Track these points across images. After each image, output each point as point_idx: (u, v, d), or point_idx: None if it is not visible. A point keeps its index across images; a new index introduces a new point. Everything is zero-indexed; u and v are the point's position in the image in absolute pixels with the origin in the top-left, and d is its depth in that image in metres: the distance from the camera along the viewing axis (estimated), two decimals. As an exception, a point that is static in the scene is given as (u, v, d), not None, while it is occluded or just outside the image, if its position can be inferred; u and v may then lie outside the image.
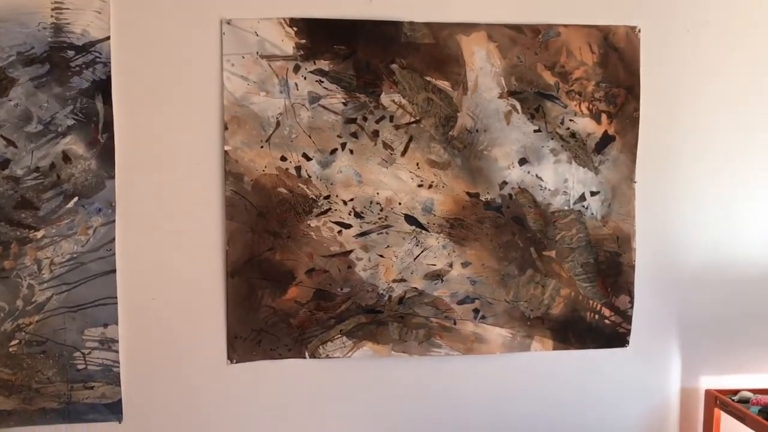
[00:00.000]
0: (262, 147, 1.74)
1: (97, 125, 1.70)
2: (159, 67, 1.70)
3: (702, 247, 1.90)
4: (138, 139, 1.72)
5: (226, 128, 1.72)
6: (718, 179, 1.89)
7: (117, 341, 1.75)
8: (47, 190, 1.70)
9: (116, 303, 1.74)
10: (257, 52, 1.72)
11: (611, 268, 1.87)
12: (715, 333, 1.93)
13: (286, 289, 1.78)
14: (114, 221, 1.73)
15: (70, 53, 1.68)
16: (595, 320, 1.88)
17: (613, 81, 1.82)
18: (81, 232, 1.72)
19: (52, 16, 1.66)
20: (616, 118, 1.83)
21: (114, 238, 1.73)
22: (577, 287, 1.87)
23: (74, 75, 1.69)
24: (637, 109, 1.83)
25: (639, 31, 1.82)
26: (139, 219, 1.73)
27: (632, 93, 1.83)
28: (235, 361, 1.78)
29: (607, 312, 1.88)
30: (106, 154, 1.71)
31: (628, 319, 1.89)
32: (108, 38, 1.69)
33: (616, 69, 1.82)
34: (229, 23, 1.70)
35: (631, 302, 1.88)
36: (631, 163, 1.85)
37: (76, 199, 1.71)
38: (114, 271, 1.74)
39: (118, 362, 1.76)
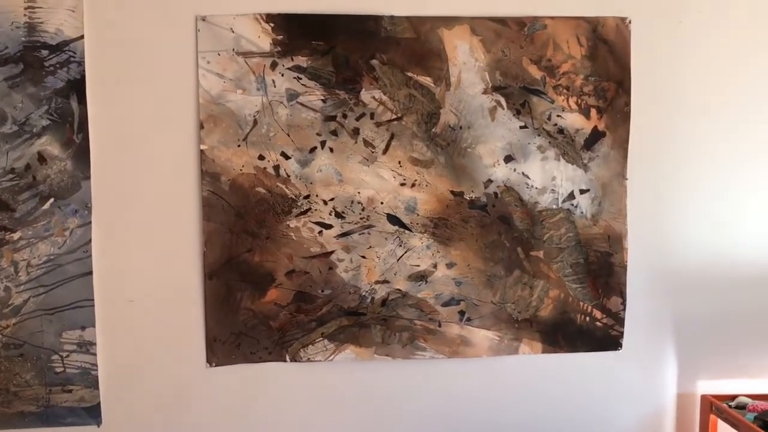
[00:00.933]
0: (239, 146, 1.71)
1: (72, 125, 1.69)
2: (133, 65, 1.68)
3: (697, 247, 1.84)
4: (113, 139, 1.70)
5: (201, 127, 1.69)
6: (713, 175, 1.82)
7: (95, 344, 1.74)
8: (23, 191, 1.69)
9: (93, 305, 1.73)
10: (233, 49, 1.69)
11: (602, 268, 1.82)
12: (713, 335, 1.86)
13: (265, 291, 1.76)
14: (90, 222, 1.71)
15: (44, 52, 1.66)
16: (586, 323, 1.83)
17: (602, 74, 1.77)
18: (57, 233, 1.70)
19: (25, 15, 1.65)
20: (606, 113, 1.78)
21: (90, 240, 1.71)
22: (567, 288, 1.82)
23: (48, 75, 1.67)
24: (628, 104, 1.78)
25: (629, 22, 1.76)
26: (115, 220, 1.71)
27: (623, 87, 1.77)
28: (214, 364, 1.76)
29: (598, 314, 1.83)
30: (81, 155, 1.69)
31: (621, 321, 1.83)
32: (82, 37, 1.67)
33: (605, 62, 1.76)
34: (204, 20, 1.68)
35: (624, 304, 1.83)
36: (622, 159, 1.79)
37: (52, 200, 1.70)
38: (91, 273, 1.72)
39: (97, 365, 1.74)
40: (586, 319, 1.83)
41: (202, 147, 1.70)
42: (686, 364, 1.87)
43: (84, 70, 1.67)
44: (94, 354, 1.74)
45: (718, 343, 1.87)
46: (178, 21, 1.68)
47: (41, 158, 1.68)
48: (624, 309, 1.83)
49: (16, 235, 1.69)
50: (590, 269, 1.81)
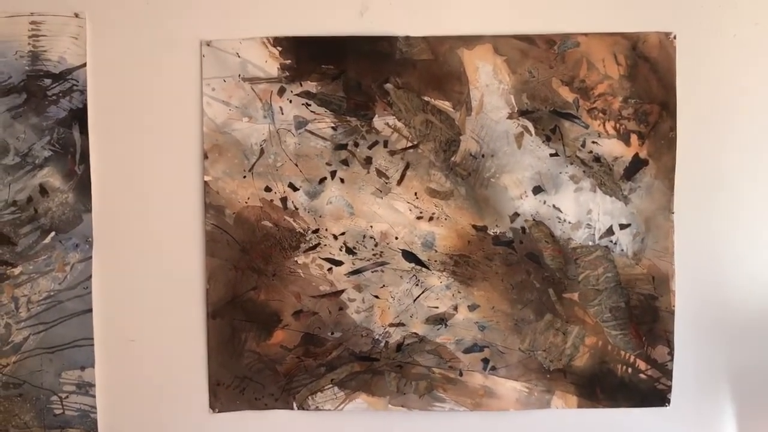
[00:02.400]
0: (244, 177, 1.62)
1: (74, 156, 1.64)
2: (136, 93, 1.63)
3: (757, 289, 1.63)
4: (115, 171, 1.64)
5: (206, 157, 1.62)
6: (774, 208, 1.62)
7: (94, 385, 1.67)
8: (24, 224, 1.65)
9: (93, 345, 1.66)
10: (239, 75, 1.61)
11: (646, 313, 1.63)
12: (777, 392, 1.64)
13: (271, 332, 1.65)
14: (91, 257, 1.65)
15: (47, 81, 1.63)
16: (628, 374, 1.64)
17: (644, 96, 1.60)
18: (58, 268, 1.65)
19: (29, 43, 1.62)
20: (648, 139, 1.60)
21: (90, 276, 1.65)
22: (606, 335, 1.64)
23: (51, 104, 1.63)
24: (673, 128, 1.60)
25: (674, 37, 1.59)
26: (117, 255, 1.65)
27: (667, 109, 1.60)
28: (217, 410, 1.66)
29: (642, 365, 1.64)
30: (83, 187, 1.64)
31: (668, 373, 1.63)
32: (84, 65, 1.63)
33: (647, 82, 1.60)
34: (209, 45, 1.61)
35: (671, 354, 1.63)
36: (667, 190, 1.61)
37: (53, 234, 1.65)
38: (90, 310, 1.66)
39: (95, 408, 1.67)
40: (628, 371, 1.64)
41: (206, 178, 1.62)
42: (745, 424, 1.65)
43: (86, 99, 1.63)
44: (93, 396, 1.67)
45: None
46: (182, 47, 1.62)
47: (43, 190, 1.64)
48: (671, 360, 1.63)
49: (17, 270, 1.65)
50: (632, 314, 1.63)
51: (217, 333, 1.65)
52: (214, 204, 1.63)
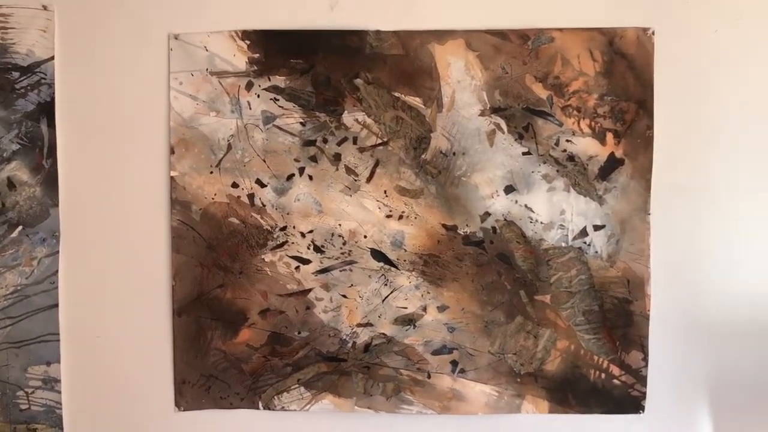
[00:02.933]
0: (211, 172, 1.60)
1: (41, 150, 1.63)
2: (104, 87, 1.62)
3: (736, 293, 1.58)
4: (82, 165, 1.63)
5: (172, 152, 1.60)
6: (753, 211, 1.56)
7: (59, 381, 1.66)
8: (-8, 218, 1.64)
9: (59, 340, 1.66)
10: (207, 69, 1.59)
11: (620, 317, 1.59)
12: (754, 398, 1.59)
13: (237, 330, 1.63)
14: (58, 252, 1.64)
15: (15, 74, 1.62)
16: (602, 380, 1.60)
17: (620, 93, 1.56)
18: (25, 263, 1.65)
19: (-3, 36, 1.61)
20: (624, 138, 1.56)
21: (57, 271, 1.64)
22: (578, 339, 1.60)
23: (19, 97, 1.63)
24: (650, 127, 1.56)
25: (653, 33, 1.55)
26: (83, 250, 1.64)
27: (644, 108, 1.55)
28: (182, 408, 1.65)
29: (615, 370, 1.60)
30: (50, 181, 1.64)
31: (642, 379, 1.59)
32: (53, 58, 1.62)
33: (624, 79, 1.56)
34: (177, 38, 1.59)
35: (646, 359, 1.59)
36: (643, 191, 1.56)
37: (20, 228, 1.64)
38: (57, 305, 1.65)
39: (61, 404, 1.67)
40: (601, 376, 1.60)
41: (173, 173, 1.60)
42: (722, 431, 1.61)
43: (54, 93, 1.62)
44: (59, 392, 1.67)
45: (759, 406, 1.59)
46: (150, 40, 1.60)
47: (10, 184, 1.63)
48: (646, 365, 1.59)
49: (-16, 264, 1.65)
50: (606, 318, 1.59)
51: (182, 331, 1.64)
52: (180, 200, 1.61)
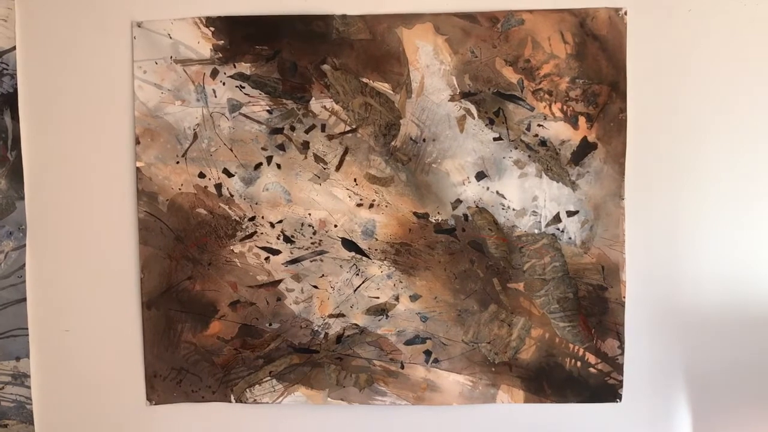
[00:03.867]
0: (178, 162, 1.59)
1: (5, 142, 1.62)
2: (67, 77, 1.60)
3: (712, 279, 1.56)
4: (47, 157, 1.62)
5: (138, 142, 1.58)
6: (730, 195, 1.55)
7: (29, 376, 1.66)
8: (-43, 212, 1.63)
9: (27, 335, 1.65)
10: (171, 57, 1.58)
11: (595, 304, 1.57)
12: (730, 386, 1.58)
13: (207, 323, 1.62)
14: (24, 245, 1.63)
15: (-23, 65, 1.60)
16: (577, 368, 1.59)
17: (592, 76, 1.54)
18: (-8, 257, 1.64)
19: (-42, 26, 1.60)
20: (597, 122, 1.54)
21: (24, 264, 1.63)
22: (553, 327, 1.59)
23: (-19, 88, 1.61)
24: (623, 110, 1.54)
25: (625, 13, 1.52)
26: (50, 243, 1.63)
27: (617, 90, 1.53)
28: (154, 402, 1.64)
29: (591, 358, 1.59)
30: (15, 173, 1.62)
31: (619, 368, 1.58)
32: (14, 48, 1.60)
33: (596, 61, 1.53)
34: (140, 26, 1.57)
35: (621, 347, 1.57)
36: (617, 175, 1.55)
37: (-14, 221, 1.63)
38: (25, 299, 1.64)
39: (31, 399, 1.66)
40: (577, 364, 1.59)
41: (138, 164, 1.59)
42: (699, 419, 1.59)
43: (17, 83, 1.61)
44: (29, 387, 1.66)
45: (736, 394, 1.58)
46: (113, 28, 1.59)
47: (-25, 177, 1.62)
48: (622, 353, 1.58)
49: (-49, 259, 1.64)
50: (581, 305, 1.58)
51: (152, 324, 1.63)
52: (146, 191, 1.60)
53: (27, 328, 1.65)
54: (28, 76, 1.60)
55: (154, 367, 1.64)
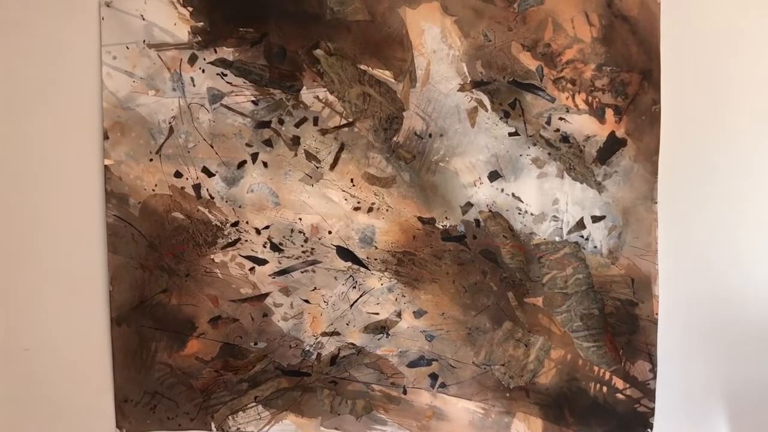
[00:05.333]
0: (151, 160, 1.43)
1: (-42, 136, 1.46)
2: (27, 63, 1.45)
3: (756, 294, 1.42)
4: (9, 154, 1.46)
5: (106, 137, 1.43)
6: (777, 198, 1.40)
7: (-15, 401, 1.50)
8: None
9: (-17, 354, 1.50)
10: (144, 41, 1.42)
11: (624, 322, 1.42)
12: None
13: (185, 341, 1.47)
14: (-20, 254, 1.48)
15: (-75, 49, 1.45)
16: (603, 394, 1.44)
17: (621, 63, 1.39)
18: (-58, 266, 1.48)
19: None
20: (627, 115, 1.39)
21: (-20, 275, 1.48)
22: (576, 348, 1.43)
23: (-70, 76, 1.45)
24: (656, 102, 1.38)
25: (659, -9, 1.37)
26: (8, 251, 1.47)
27: (649, 79, 1.38)
28: (125, 430, 1.49)
29: (619, 383, 1.43)
30: (-30, 172, 1.47)
31: (650, 393, 1.43)
32: (-32, 30, 1.45)
33: (625, 46, 1.38)
34: (108, 5, 1.42)
35: (654, 370, 1.42)
36: (650, 176, 1.40)
37: (-65, 226, 1.47)
38: (-21, 314, 1.49)
39: (-12, 427, 1.51)
40: (602, 390, 1.44)
41: (107, 162, 1.43)
42: (743, 455, 1.44)
43: (-30, 70, 1.45)
44: (-14, 413, 1.51)
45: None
46: (79, 8, 1.43)
47: None
48: (654, 378, 1.42)
49: None
50: (608, 323, 1.43)
51: (122, 342, 1.47)
52: (116, 192, 1.44)
53: (-18, 347, 1.50)
54: (-16, 63, 1.45)
55: (124, 391, 1.48)
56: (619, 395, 1.44)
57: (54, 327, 1.49)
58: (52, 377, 1.50)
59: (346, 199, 1.43)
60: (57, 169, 1.46)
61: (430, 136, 1.41)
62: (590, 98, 1.39)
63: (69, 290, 1.48)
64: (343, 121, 1.42)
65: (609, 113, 1.40)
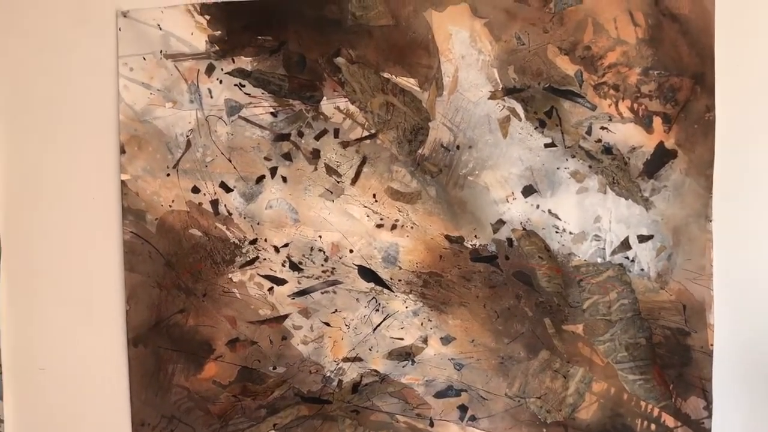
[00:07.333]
0: (168, 175, 1.42)
1: (-22, 151, 1.48)
2: (46, 76, 1.46)
3: (829, 326, 1.28)
4: (22, 168, 1.48)
5: (123, 151, 1.42)
6: None
7: (2, 421, 1.52)
8: (-74, 231, 1.50)
9: (0, 372, 1.51)
10: (161, 51, 1.41)
11: (674, 353, 1.32)
12: None
13: (202, 364, 1.44)
14: (-2, 270, 1.50)
15: (-53, 64, 1.48)
16: (651, 432, 1.33)
17: (670, 66, 1.29)
18: (-37, 283, 1.50)
19: (-73, 20, 1.47)
20: (676, 123, 1.29)
21: (-3, 292, 1.50)
22: (620, 381, 1.34)
23: (-48, 90, 1.48)
24: (710, 109, 1.28)
25: (713, -13, 1.27)
26: (27, 268, 1.50)
27: (702, 84, 1.28)
28: (141, 455, 1.47)
29: (669, 421, 1.33)
30: (-11, 188, 1.49)
31: (705, 433, 1.32)
32: (-12, 43, 1.47)
33: (675, 48, 1.29)
34: (126, 15, 1.42)
35: (709, 408, 1.31)
36: (703, 191, 1.29)
37: (-43, 242, 1.50)
38: (-3, 332, 1.50)
39: (6, 447, 1.52)
40: (650, 427, 1.33)
41: (123, 177, 1.43)
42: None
43: (-10, 84, 1.47)
44: (3, 433, 1.52)
45: None
46: (96, 19, 1.43)
47: (-55, 191, 1.49)
48: (709, 416, 1.31)
49: None
50: (656, 354, 1.32)
51: (139, 363, 1.46)
52: (132, 208, 1.43)
53: (0, 366, 1.51)
54: (3, 75, 1.47)
55: (141, 415, 1.47)
56: (670, 434, 1.33)
57: (71, 346, 1.49)
58: (69, 398, 1.51)
59: (368, 216, 1.38)
60: (75, 185, 1.46)
61: (458, 147, 1.35)
62: (636, 105, 1.30)
63: (86, 309, 1.48)
64: (365, 133, 1.37)
65: (657, 122, 1.30)
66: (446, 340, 1.38)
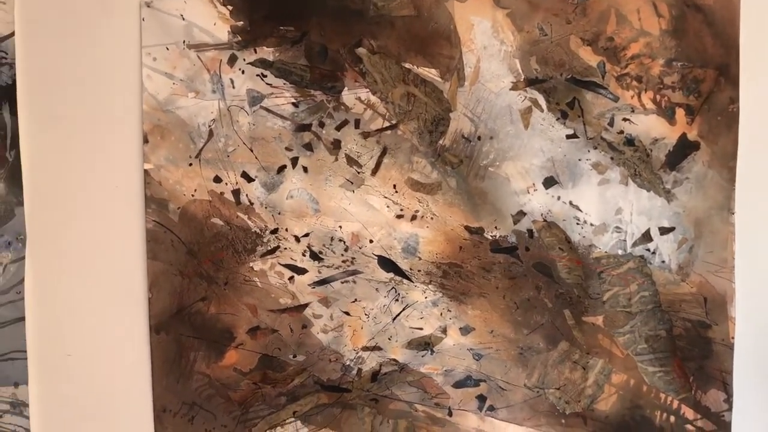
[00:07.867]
0: (191, 164, 1.44)
1: (4, 140, 1.51)
2: (70, 66, 1.48)
3: None
4: (48, 157, 1.50)
5: (146, 141, 1.45)
6: None
7: (27, 405, 1.55)
8: (-47, 218, 1.54)
9: (26, 358, 1.54)
10: (184, 41, 1.43)
11: (695, 345, 1.33)
12: None
13: (223, 352, 1.47)
14: (24, 257, 1.52)
15: (-27, 54, 1.51)
16: (670, 424, 1.35)
17: (694, 58, 1.29)
18: (-11, 269, 1.54)
19: (-46, 10, 1.50)
20: (700, 115, 1.30)
21: (23, 279, 1.53)
22: (640, 372, 1.35)
23: (-22, 80, 1.51)
24: (734, 100, 1.28)
25: (739, -23, 1.27)
26: (51, 255, 1.52)
27: (726, 75, 1.28)
28: (163, 441, 1.50)
29: (689, 413, 1.34)
30: (14, 176, 1.52)
31: (725, 426, 1.33)
32: (13, 34, 1.49)
33: (699, 39, 1.29)
34: (149, 5, 1.44)
35: (729, 401, 1.32)
36: (726, 183, 1.30)
37: (-17, 229, 1.54)
38: (23, 318, 1.53)
39: (30, 430, 1.55)
40: (670, 419, 1.34)
41: (146, 166, 1.45)
42: (834, 501, 1.32)
43: (15, 74, 1.50)
44: (28, 417, 1.55)
45: None
46: (120, 10, 1.45)
47: (-28, 179, 1.53)
48: (729, 409, 1.32)
49: (-53, 270, 1.55)
50: (676, 346, 1.34)
51: (161, 350, 1.49)
52: (155, 197, 1.46)
53: (26, 351, 1.54)
54: (27, 66, 1.49)
55: (163, 401, 1.50)
56: (689, 426, 1.34)
57: (96, 332, 1.52)
58: (94, 383, 1.54)
59: (388, 207, 1.40)
60: (98, 173, 1.48)
61: (479, 138, 1.36)
62: (658, 97, 1.31)
63: (109, 296, 1.50)
64: (386, 124, 1.39)
65: (680, 113, 1.30)
66: (465, 331, 1.40)
